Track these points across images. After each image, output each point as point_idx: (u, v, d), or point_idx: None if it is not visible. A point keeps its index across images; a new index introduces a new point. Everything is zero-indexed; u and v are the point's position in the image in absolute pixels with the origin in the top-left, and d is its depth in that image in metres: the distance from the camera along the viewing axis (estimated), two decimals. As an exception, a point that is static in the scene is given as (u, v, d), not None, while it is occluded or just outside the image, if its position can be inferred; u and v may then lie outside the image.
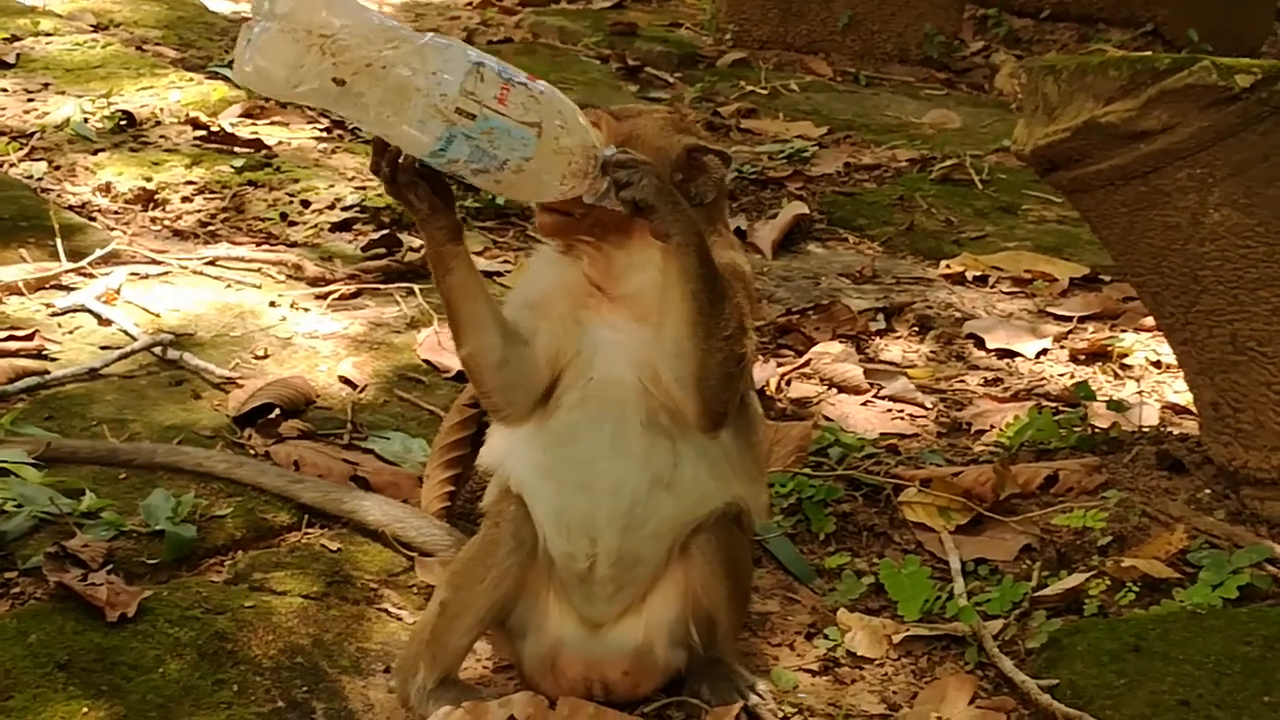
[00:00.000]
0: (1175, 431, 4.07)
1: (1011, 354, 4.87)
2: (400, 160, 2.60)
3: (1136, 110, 3.30)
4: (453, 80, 2.46)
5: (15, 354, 4.05)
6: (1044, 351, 4.87)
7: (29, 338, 4.14)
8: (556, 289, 2.83)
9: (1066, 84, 3.43)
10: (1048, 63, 3.51)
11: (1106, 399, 4.26)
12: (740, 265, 2.84)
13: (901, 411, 4.41)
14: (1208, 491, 3.65)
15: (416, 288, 4.82)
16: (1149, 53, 3.63)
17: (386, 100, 2.44)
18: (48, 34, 7.34)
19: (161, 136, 6.04)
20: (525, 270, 3.04)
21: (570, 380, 2.81)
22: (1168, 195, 3.37)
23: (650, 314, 2.74)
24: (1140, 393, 4.45)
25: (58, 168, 5.73)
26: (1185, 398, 4.34)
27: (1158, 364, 4.72)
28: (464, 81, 2.47)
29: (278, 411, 3.89)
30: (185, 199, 5.56)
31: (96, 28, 7.81)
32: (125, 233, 5.26)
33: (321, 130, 6.31)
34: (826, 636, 3.23)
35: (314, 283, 4.86)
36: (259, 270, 4.94)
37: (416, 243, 5.30)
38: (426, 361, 4.37)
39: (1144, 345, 4.84)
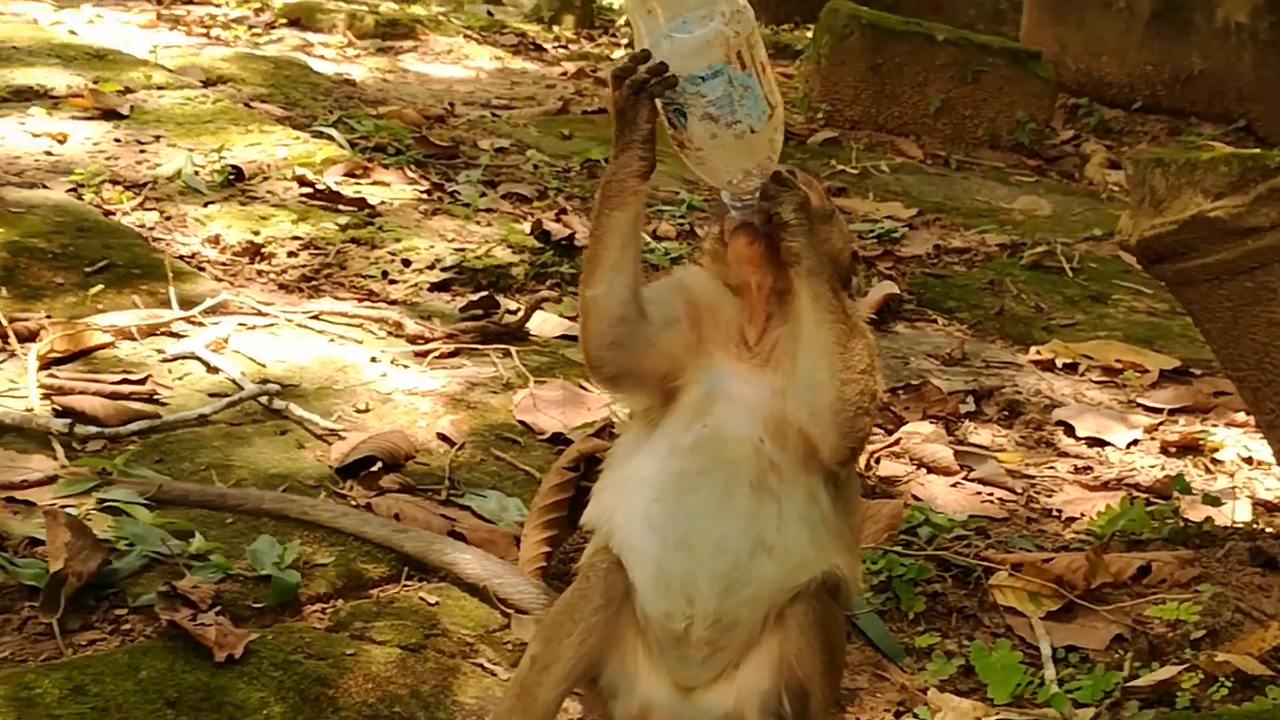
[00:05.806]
0: (1269, 529, 4.06)
1: (1101, 443, 4.87)
2: (653, 73, 2.61)
3: (1245, 206, 3.34)
4: (746, 26, 2.54)
5: (128, 397, 4.16)
6: (1135, 442, 4.87)
7: (141, 382, 4.25)
8: (709, 304, 2.87)
9: (1174, 177, 3.47)
10: (1155, 155, 3.56)
11: (1200, 493, 4.26)
12: (866, 329, 2.89)
13: (991, 495, 4.42)
14: (1302, 590, 3.64)
15: (513, 349, 4.92)
16: (1258, 150, 3.66)
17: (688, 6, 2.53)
18: (159, 87, 7.56)
19: (269, 192, 6.20)
20: (686, 268, 3.07)
21: (685, 420, 2.84)
22: (1273, 291, 3.40)
23: (783, 361, 2.79)
24: (1234, 488, 4.43)
25: (169, 218, 5.89)
26: (1279, 494, 4.33)
27: (1249, 460, 4.71)
28: (751, 33, 2.55)
29: (379, 465, 3.97)
30: (291, 253, 5.70)
31: (206, 83, 8.05)
32: (233, 284, 5.40)
33: (422, 192, 6.45)
34: (916, 716, 3.24)
35: (413, 340, 4.96)
36: (360, 326, 5.05)
37: (513, 305, 5.41)
38: (522, 423, 4.44)
39: (1235, 441, 4.82)
